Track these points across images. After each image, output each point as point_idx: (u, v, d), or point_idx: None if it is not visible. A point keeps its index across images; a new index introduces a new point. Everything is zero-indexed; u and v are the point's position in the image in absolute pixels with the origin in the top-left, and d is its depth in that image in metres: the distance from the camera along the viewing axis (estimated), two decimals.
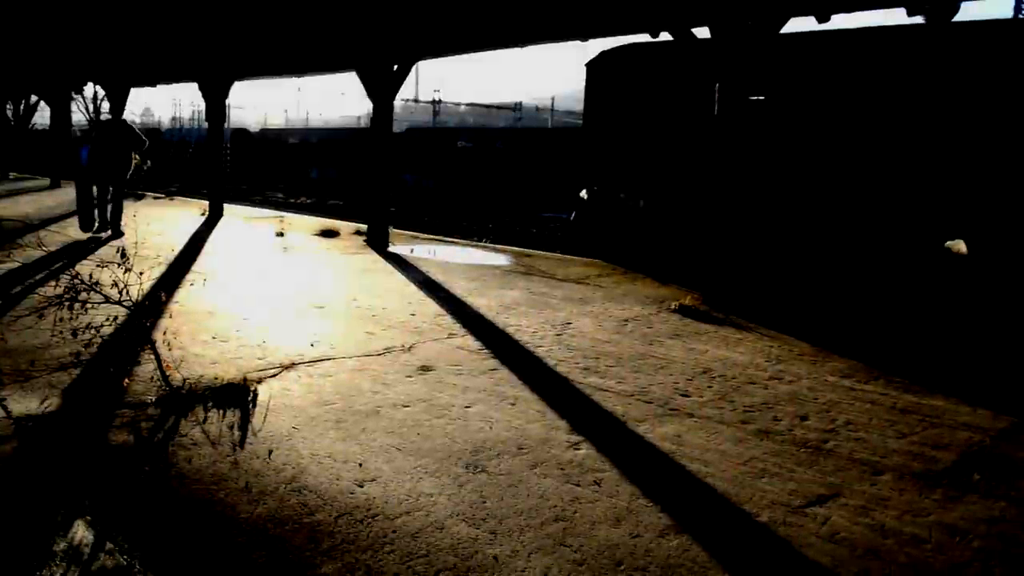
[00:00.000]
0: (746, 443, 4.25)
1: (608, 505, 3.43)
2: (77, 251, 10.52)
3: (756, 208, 9.91)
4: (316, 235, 13.67)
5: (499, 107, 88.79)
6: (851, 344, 6.73)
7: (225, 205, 17.58)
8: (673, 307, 7.91)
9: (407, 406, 4.66)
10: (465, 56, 12.16)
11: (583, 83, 12.72)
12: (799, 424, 4.60)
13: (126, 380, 4.91)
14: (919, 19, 8.66)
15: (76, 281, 5.20)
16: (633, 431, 4.39)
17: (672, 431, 4.40)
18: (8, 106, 28.96)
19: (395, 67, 12.41)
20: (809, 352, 6.39)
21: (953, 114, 8.85)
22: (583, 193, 12.85)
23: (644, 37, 10.00)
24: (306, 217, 18.05)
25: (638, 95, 11.68)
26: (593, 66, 12.40)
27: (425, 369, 5.46)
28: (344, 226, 15.26)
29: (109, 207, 11.98)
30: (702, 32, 8.73)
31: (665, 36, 9.35)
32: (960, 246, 9.04)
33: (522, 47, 11.00)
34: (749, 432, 4.43)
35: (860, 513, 3.45)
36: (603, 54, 12.27)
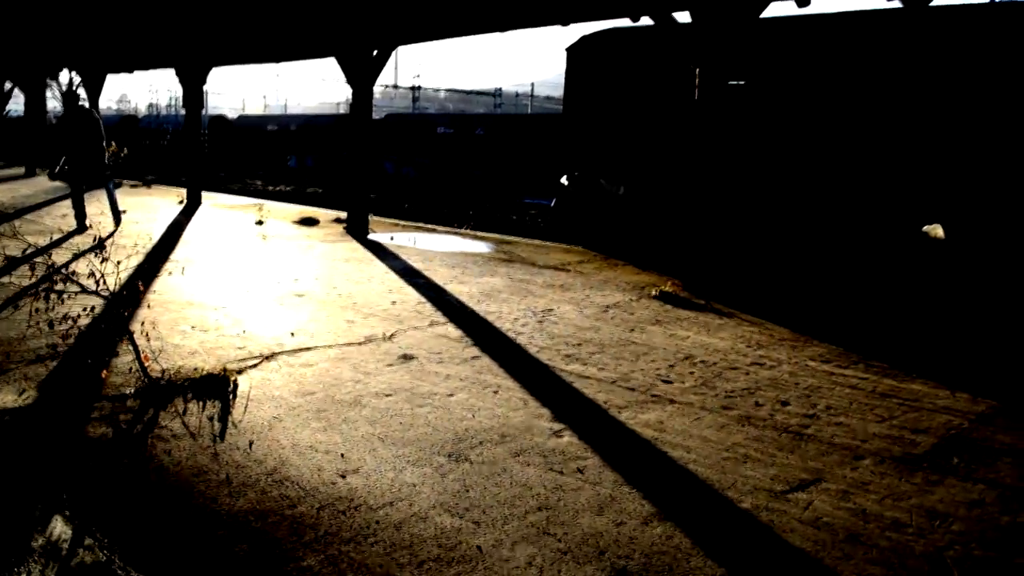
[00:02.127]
0: (728, 429, 4.26)
1: (591, 493, 3.43)
2: (54, 241, 10.39)
3: (736, 194, 9.92)
4: (295, 223, 13.58)
5: (479, 93, 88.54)
6: (831, 329, 6.77)
7: (203, 193, 17.42)
8: (654, 294, 7.92)
9: (389, 395, 4.64)
10: (445, 41, 12.10)
11: (563, 69, 12.67)
12: (780, 409, 4.62)
13: (104, 372, 4.86)
14: (897, 3, 8.69)
15: (52, 271, 5.13)
16: (615, 418, 4.39)
17: (654, 418, 4.40)
18: None
19: (375, 52, 12.31)
20: (789, 337, 6.42)
21: (930, 99, 8.88)
22: (564, 179, 12.82)
23: (625, 22, 9.98)
24: (285, 205, 17.93)
25: (619, 80, 11.66)
26: (574, 51, 12.35)
27: (406, 358, 5.44)
28: (324, 214, 15.17)
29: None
30: (683, 17, 8.71)
31: (646, 21, 9.32)
32: (938, 231, 9.10)
33: (502, 32, 10.95)
34: (731, 418, 4.44)
35: (842, 498, 3.47)
36: (584, 39, 12.22)
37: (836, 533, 3.16)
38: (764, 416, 4.49)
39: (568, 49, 12.47)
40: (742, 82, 10.35)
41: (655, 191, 11.10)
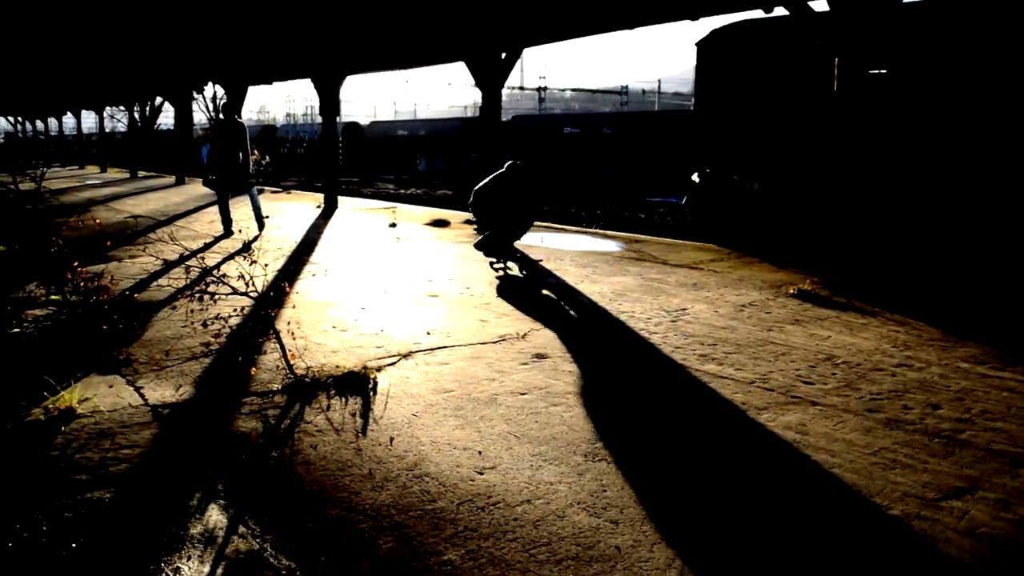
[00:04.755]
0: (874, 433, 4.09)
1: None
2: (204, 245, 11.00)
3: (879, 187, 9.51)
4: (427, 225, 13.88)
5: (605, 92, 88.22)
6: (984, 329, 6.39)
7: (339, 198, 18.04)
8: (791, 292, 7.69)
9: (524, 394, 4.68)
10: (571, 41, 12.12)
11: (690, 64, 12.50)
12: (931, 413, 4.40)
13: (253, 369, 5.10)
14: None
15: (205, 274, 5.43)
16: (754, 420, 4.29)
17: (796, 420, 4.27)
18: (135, 108, 30.49)
19: (503, 55, 12.45)
20: (938, 337, 6.10)
21: None
22: (695, 176, 12.61)
23: (757, 13, 9.73)
24: (416, 208, 18.36)
25: (751, 74, 11.37)
26: (704, 45, 12.13)
27: (540, 357, 5.47)
28: (453, 216, 15.44)
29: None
30: (819, 5, 8.43)
31: (779, 11, 9.06)
32: None
33: (630, 29, 10.86)
34: (877, 421, 4.26)
35: (1000, 507, 3.27)
36: (714, 33, 11.99)
37: (996, 544, 2.98)
38: (913, 420, 4.29)
39: (698, 44, 12.26)
40: (883, 71, 9.91)
41: (791, 186, 10.78)
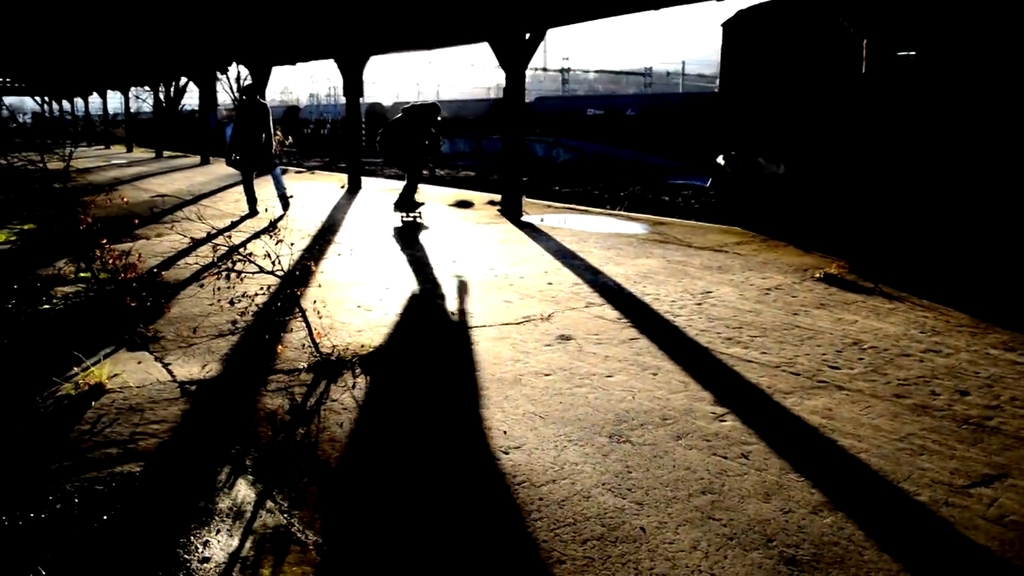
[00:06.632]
0: (902, 418, 4.06)
1: (757, 479, 3.35)
2: (230, 224, 11.06)
3: (908, 172, 9.39)
4: (451, 206, 13.87)
5: (628, 73, 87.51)
6: (1015, 314, 6.31)
7: (362, 178, 18.07)
8: (817, 276, 7.63)
9: (548, 375, 4.68)
10: (595, 22, 12.00)
11: (715, 46, 12.35)
12: (959, 399, 4.36)
13: (279, 346, 5.14)
14: None
15: (231, 252, 5.46)
16: (780, 404, 4.27)
17: (822, 404, 4.25)
18: (160, 88, 30.62)
19: (527, 36, 12.36)
20: (968, 323, 6.03)
21: None
22: (720, 159, 12.50)
23: None
24: (440, 189, 18.33)
25: (778, 55, 11.24)
26: (730, 26, 12.00)
27: (564, 338, 5.46)
28: (477, 197, 15.42)
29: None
30: None
31: None
32: None
33: (656, 10, 10.75)
34: (904, 407, 4.22)
35: None
36: (740, 13, 11.85)
37: None
38: (941, 406, 4.25)
39: (724, 24, 12.12)
40: (912, 53, 9.76)
41: (819, 169, 10.66)
